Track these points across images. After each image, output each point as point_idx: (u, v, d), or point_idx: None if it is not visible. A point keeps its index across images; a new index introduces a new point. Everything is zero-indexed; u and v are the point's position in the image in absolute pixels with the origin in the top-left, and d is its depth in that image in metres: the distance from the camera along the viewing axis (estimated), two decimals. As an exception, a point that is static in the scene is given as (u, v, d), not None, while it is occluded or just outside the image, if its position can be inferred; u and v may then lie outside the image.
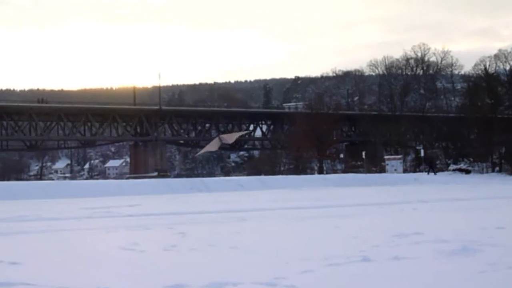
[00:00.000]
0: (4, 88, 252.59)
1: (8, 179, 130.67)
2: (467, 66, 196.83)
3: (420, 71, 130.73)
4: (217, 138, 27.57)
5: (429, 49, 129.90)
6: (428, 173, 68.56)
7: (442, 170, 72.54)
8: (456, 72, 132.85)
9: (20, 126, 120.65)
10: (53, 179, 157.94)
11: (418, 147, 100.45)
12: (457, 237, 13.45)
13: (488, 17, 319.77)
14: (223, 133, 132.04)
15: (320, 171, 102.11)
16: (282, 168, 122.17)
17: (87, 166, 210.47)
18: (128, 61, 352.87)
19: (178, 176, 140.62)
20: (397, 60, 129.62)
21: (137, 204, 29.61)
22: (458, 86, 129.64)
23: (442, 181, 59.85)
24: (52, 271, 10.36)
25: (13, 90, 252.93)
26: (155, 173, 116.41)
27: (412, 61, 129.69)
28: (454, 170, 73.84)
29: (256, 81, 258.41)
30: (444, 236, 13.74)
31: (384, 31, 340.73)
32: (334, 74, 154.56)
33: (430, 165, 73.18)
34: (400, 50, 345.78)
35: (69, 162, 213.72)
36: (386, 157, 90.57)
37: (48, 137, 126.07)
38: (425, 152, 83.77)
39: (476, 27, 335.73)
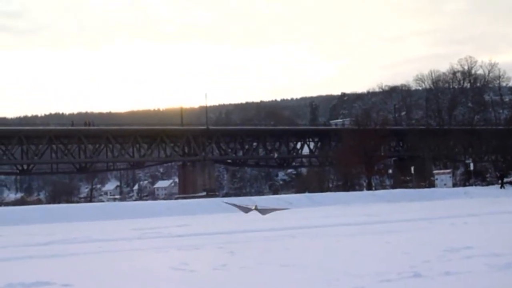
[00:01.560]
0: (53, 112, 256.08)
1: (59, 202, 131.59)
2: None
3: (467, 84, 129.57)
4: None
5: (476, 61, 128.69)
6: (501, 187, 68.93)
7: (492, 184, 72.05)
8: (504, 84, 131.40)
9: (70, 149, 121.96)
10: (103, 201, 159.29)
11: (467, 161, 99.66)
12: (510, 251, 13.29)
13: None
14: (270, 151, 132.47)
15: (369, 187, 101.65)
16: (330, 185, 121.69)
17: (136, 187, 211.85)
18: (174, 82, 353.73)
19: (227, 195, 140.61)
20: (444, 73, 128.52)
21: (186, 224, 29.72)
22: (507, 99, 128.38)
23: (492, 194, 59.44)
24: (104, 291, 10.44)
25: (62, 113, 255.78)
26: (204, 193, 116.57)
27: (459, 75, 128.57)
28: (504, 183, 73.35)
29: (302, 99, 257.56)
30: (496, 250, 13.58)
31: (429, 45, 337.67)
32: (381, 90, 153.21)
33: (501, 179, 73.15)
34: (446, 63, 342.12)
35: (118, 183, 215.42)
36: (435, 171, 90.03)
37: (97, 159, 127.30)
38: (474, 166, 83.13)
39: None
